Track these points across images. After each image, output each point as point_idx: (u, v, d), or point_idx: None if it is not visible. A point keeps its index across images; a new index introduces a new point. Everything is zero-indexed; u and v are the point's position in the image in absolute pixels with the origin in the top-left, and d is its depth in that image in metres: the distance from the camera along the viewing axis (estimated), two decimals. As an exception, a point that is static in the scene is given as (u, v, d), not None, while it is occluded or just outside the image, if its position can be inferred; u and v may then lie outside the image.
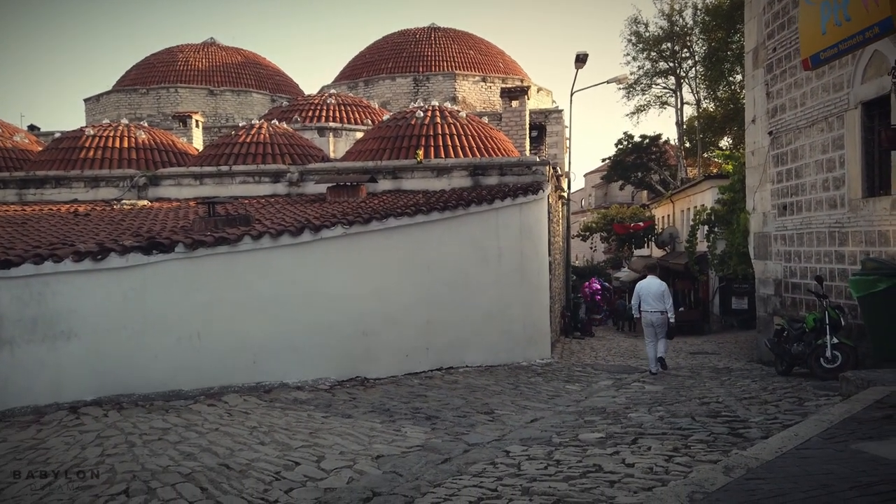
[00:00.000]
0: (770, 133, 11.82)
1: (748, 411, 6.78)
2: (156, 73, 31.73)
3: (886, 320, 5.30)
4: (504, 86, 24.27)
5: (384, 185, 13.70)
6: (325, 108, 19.15)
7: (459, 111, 15.78)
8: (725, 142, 41.86)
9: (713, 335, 22.86)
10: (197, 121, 20.96)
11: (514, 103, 18.46)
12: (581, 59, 19.71)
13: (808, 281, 10.64)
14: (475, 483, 4.57)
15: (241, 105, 31.51)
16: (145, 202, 13.61)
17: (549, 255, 14.07)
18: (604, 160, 44.57)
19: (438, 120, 14.84)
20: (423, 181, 13.57)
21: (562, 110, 27.06)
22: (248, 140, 15.35)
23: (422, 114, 14.98)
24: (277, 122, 16.77)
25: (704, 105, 39.51)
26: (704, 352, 15.66)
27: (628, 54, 59.59)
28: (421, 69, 29.60)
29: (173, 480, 4.65)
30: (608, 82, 21.76)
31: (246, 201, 12.90)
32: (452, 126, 14.74)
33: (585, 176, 60.78)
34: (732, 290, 25.62)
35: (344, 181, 12.90)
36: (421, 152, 13.97)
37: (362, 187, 12.85)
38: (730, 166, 14.22)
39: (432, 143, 14.39)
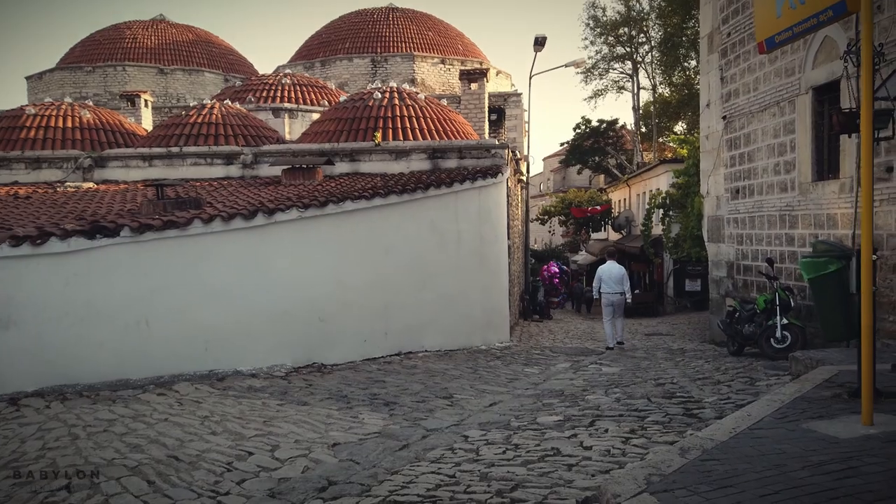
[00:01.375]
0: (724, 117, 11.99)
1: (702, 391, 6.89)
2: (102, 50, 30.48)
3: (836, 302, 5.41)
4: (463, 68, 24.06)
5: (341, 167, 13.45)
6: (280, 88, 18.69)
7: (418, 93, 15.60)
8: (680, 127, 42.74)
9: (667, 317, 23.34)
10: (146, 100, 20.22)
11: (474, 86, 18.33)
12: (540, 43, 19.67)
13: (760, 263, 10.88)
14: (433, 469, 4.51)
15: (192, 85, 30.58)
16: (90, 185, 13.07)
17: (508, 238, 14.07)
18: (562, 144, 44.96)
19: (397, 101, 14.62)
20: (382, 164, 13.37)
21: (521, 94, 27.08)
22: (199, 120, 14.87)
23: (380, 95, 14.73)
24: (230, 103, 16.29)
25: (660, 90, 40.10)
26: (659, 333, 15.94)
27: (586, 38, 59.96)
28: (379, 50, 29.15)
29: (118, 474, 4.46)
30: (566, 66, 21.81)
31: (197, 184, 12.51)
32: (411, 108, 14.54)
33: (544, 160, 61.22)
34: (686, 272, 26.18)
35: (300, 163, 12.61)
36: (379, 134, 13.75)
37: (318, 170, 12.59)
38: (684, 150, 14.41)
39: (390, 126, 14.18)
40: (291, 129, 17.51)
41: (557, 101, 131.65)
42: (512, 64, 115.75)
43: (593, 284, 11.95)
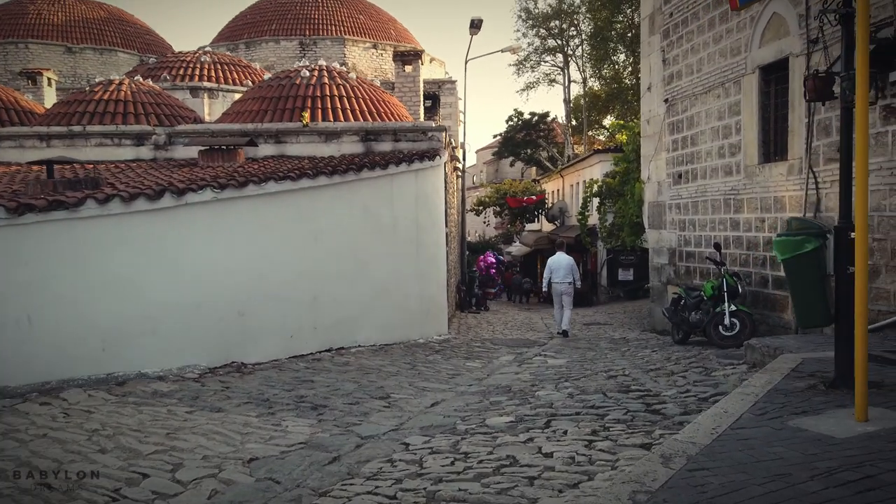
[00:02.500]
0: (666, 100, 11.69)
1: (657, 384, 6.43)
2: (2, 26, 27.91)
3: (813, 284, 5.01)
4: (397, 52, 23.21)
5: (266, 149, 12.41)
6: (199, 66, 17.34)
7: (349, 72, 14.69)
8: (609, 120, 43.41)
9: (602, 306, 23.29)
10: (49, 79, 18.45)
11: (408, 68, 17.56)
12: (476, 25, 19.07)
13: (704, 249, 10.63)
14: (370, 489, 3.78)
15: (105, 65, 28.38)
16: (-24, 166, 11.55)
17: (446, 226, 13.43)
18: (495, 136, 44.90)
19: (326, 80, 13.68)
20: (310, 146, 12.41)
21: (455, 81, 26.45)
22: (105, 97, 13.48)
23: (308, 73, 13.75)
24: (142, 79, 14.91)
25: (590, 84, 40.61)
26: (597, 322, 15.68)
27: (518, 30, 60.45)
28: (308, 32, 27.85)
29: (-32, 511, 3.52)
30: (502, 51, 21.31)
31: (102, 166, 11.23)
32: (342, 87, 13.64)
33: (477, 152, 61.10)
34: (619, 261, 26.34)
35: (219, 144, 11.53)
36: (307, 114, 12.78)
37: (240, 151, 11.54)
38: (623, 136, 14.13)
39: (319, 105, 13.24)
40: (212, 109, 16.27)
41: (491, 94, 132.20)
42: (445, 53, 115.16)
43: (544, 275, 12.44)
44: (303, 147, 12.39)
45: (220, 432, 5.04)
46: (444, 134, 12.75)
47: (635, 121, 15.54)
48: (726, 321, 8.53)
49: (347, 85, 13.76)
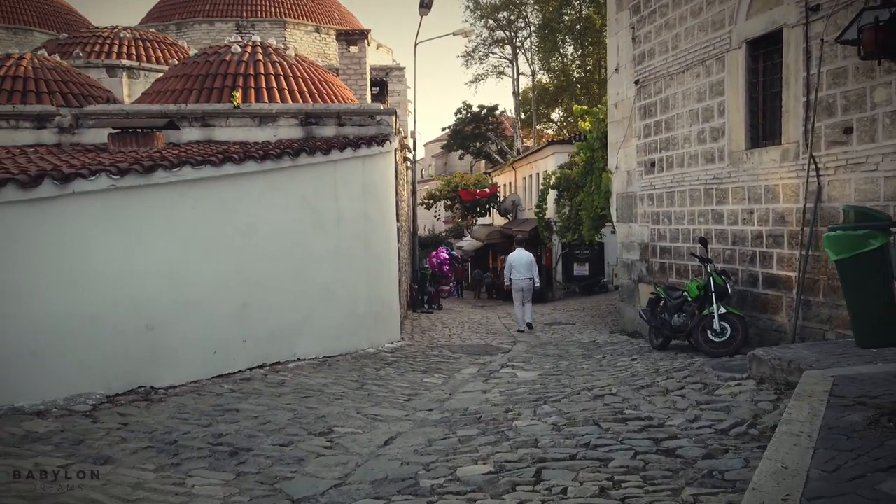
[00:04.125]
0: (636, 82, 10.73)
1: (654, 406, 5.39)
2: None
3: (878, 291, 4.03)
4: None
5: (191, 133, 10.87)
6: (117, 42, 15.53)
7: (286, 49, 13.24)
8: (557, 114, 43.09)
9: (558, 302, 22.48)
10: (-55, 56, 16.24)
11: (353, 49, 16.20)
12: (425, 5, 17.83)
13: (680, 244, 9.72)
14: None
15: (20, 46, 25.69)
16: None
17: (397, 220, 12.19)
18: (444, 129, 44.00)
19: (261, 58, 12.22)
20: (242, 130, 10.93)
21: (404, 68, 25.17)
22: (1, 74, 11.67)
23: (239, 49, 12.25)
24: (48, 55, 13.10)
25: (539, 77, 40.18)
26: (559, 322, 14.73)
27: (466, 21, 59.45)
28: (245, 14, 25.99)
29: None
30: (454, 34, 20.15)
31: (-9, 150, 9.51)
32: (279, 66, 12.20)
33: (426, 145, 59.97)
34: (575, 256, 25.59)
35: (133, 126, 9.96)
36: (238, 94, 11.30)
37: (158, 135, 9.98)
38: (587, 123, 13.17)
39: (253, 85, 11.79)
40: (132, 91, 14.54)
41: (439, 87, 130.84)
42: (393, 42, 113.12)
43: (504, 272, 12.57)
44: (233, 131, 10.90)
45: (97, 502, 3.70)
46: (393, 118, 11.49)
47: (600, 106, 14.62)
48: (715, 325, 7.60)
49: (285, 63, 12.33)
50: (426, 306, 19.09)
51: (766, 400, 5.10)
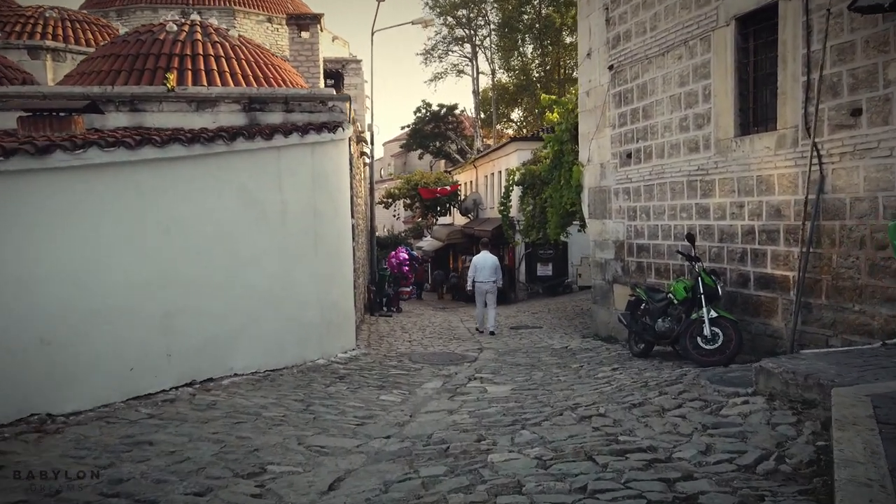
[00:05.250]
0: (611, 67, 9.96)
1: (652, 431, 4.55)
2: None
3: None
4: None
5: (118, 119, 9.62)
6: (42, 22, 14.09)
7: (228, 29, 12.09)
8: (517, 114, 42.64)
9: (522, 304, 21.74)
10: None
11: (305, 34, 15.08)
12: (383, -9, 16.80)
13: (660, 242, 8.97)
14: None
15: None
16: None
17: (352, 216, 11.19)
18: (403, 128, 43.16)
19: (200, 37, 11.06)
20: (178, 116, 9.72)
21: (361, 60, 24.13)
22: None
23: (175, 27, 11.08)
24: (-43, 31, 11.67)
25: (499, 76, 39.78)
26: (525, 325, 13.90)
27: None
28: (191, 1, 24.56)
29: None
30: (413, 23, 19.17)
31: None
32: (219, 46, 11.07)
33: (384, 145, 58.96)
34: (538, 256, 24.88)
35: (48, 109, 8.71)
36: (173, 77, 10.11)
37: (77, 119, 8.71)
38: (555, 115, 12.38)
39: (190, 67, 10.64)
40: (56, 74, 13.17)
41: (399, 85, 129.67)
42: (349, 35, 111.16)
43: (468, 274, 12.46)
44: (167, 117, 9.70)
45: None
46: (347, 105, 10.46)
47: (569, 95, 13.86)
48: (706, 331, 6.82)
49: (227, 44, 11.20)
50: (385, 309, 18.08)
51: (786, 423, 4.30)
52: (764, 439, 4.06)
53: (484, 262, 12.18)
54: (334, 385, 6.97)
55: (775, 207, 6.90)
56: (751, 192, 7.24)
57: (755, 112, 7.37)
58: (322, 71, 15.31)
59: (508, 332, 12.65)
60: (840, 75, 6.04)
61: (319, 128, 8.66)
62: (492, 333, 11.92)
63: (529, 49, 39.04)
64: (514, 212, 20.12)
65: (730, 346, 6.68)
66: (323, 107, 10.00)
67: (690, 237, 7.54)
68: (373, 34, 18.60)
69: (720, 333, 6.79)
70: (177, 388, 6.46)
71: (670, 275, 8.70)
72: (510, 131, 40.35)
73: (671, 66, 8.54)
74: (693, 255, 7.39)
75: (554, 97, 13.99)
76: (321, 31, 15.54)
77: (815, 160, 6.28)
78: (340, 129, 9.02)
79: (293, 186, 8.05)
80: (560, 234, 15.30)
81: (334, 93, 10.40)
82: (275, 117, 9.80)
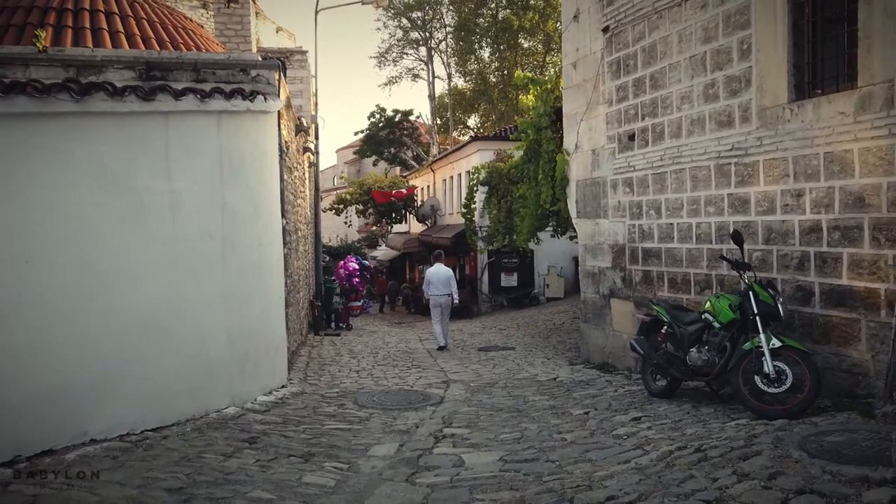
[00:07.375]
0: (605, 29, 8.03)
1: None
2: None
3: None
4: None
5: (-36, 87, 7.24)
6: None
7: (129, -16, 9.72)
8: (474, 120, 41.10)
9: (485, 318, 19.78)
10: None
11: (233, 6, 12.81)
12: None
13: (675, 245, 7.04)
14: None
15: None
16: None
17: (287, 218, 8.97)
18: (356, 134, 41.34)
19: (87, -10, 8.71)
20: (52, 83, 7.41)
21: (307, 52, 21.91)
22: None
23: (55, -24, 8.68)
24: None
25: (455, 81, 38.45)
26: (495, 346, 11.84)
27: (379, 19, 57.14)
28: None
29: None
30: (363, 3, 17.03)
31: None
32: (112, 1, 8.74)
33: (337, 152, 56.83)
34: (502, 265, 22.95)
35: None
36: (44, 33, 7.74)
37: None
38: (531, 97, 10.45)
39: (72, 24, 8.32)
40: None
41: (352, 89, 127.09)
42: (295, 29, 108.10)
43: (423, 287, 12.14)
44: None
45: None
46: (276, 74, 8.23)
47: (551, 70, 11.91)
48: (767, 367, 4.87)
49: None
50: (333, 326, 15.81)
51: None
52: None
53: (437, 275, 11.46)
54: (239, 454, 4.74)
55: (855, 195, 5.02)
56: (815, 175, 5.35)
57: (815, 68, 5.50)
58: (255, 46, 13.05)
59: (477, 356, 10.57)
60: (970, 0, 4.19)
61: (230, 94, 6.46)
62: (442, 348, 11.16)
63: (486, 53, 37.74)
64: (478, 216, 18.13)
65: (803, 391, 4.73)
66: (245, 76, 7.73)
67: (737, 236, 5.58)
68: (316, 13, 16.39)
69: (787, 371, 4.84)
70: (-14, 472, 4.14)
71: (691, 287, 6.77)
72: (466, 138, 38.85)
73: (691, 18, 6.64)
74: (742, 260, 5.45)
75: (531, 74, 12.02)
76: (254, 4, 13.30)
77: (928, 125, 4.41)
78: (261, 97, 6.82)
79: (189, 171, 5.81)
80: (530, 241, 13.35)
81: (259, 59, 8.17)
82: (181, 87, 7.53)
